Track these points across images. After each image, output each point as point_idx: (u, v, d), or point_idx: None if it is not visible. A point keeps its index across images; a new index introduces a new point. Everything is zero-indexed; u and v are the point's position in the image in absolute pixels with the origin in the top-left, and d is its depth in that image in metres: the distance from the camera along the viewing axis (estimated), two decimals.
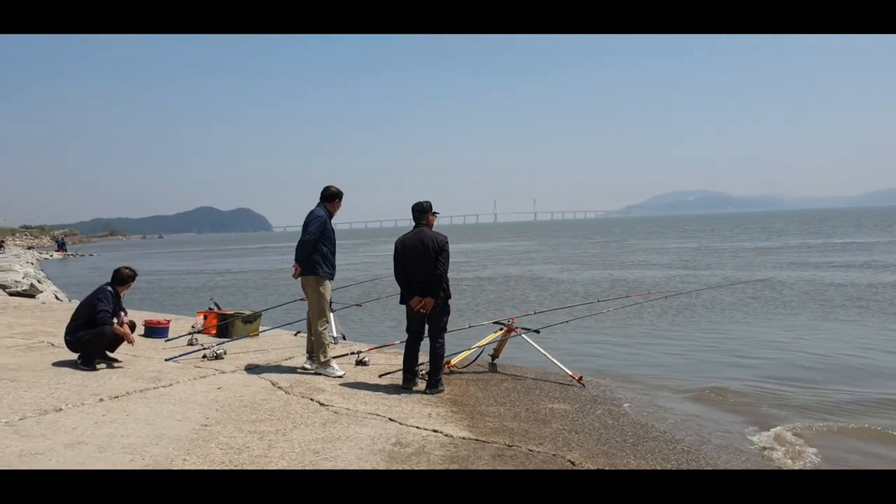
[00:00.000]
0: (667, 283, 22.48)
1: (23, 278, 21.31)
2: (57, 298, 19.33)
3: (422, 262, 6.78)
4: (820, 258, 29.81)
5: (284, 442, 5.07)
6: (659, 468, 4.95)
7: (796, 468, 5.54)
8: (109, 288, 7.45)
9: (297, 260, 7.41)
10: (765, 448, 6.09)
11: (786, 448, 6.09)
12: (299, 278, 7.47)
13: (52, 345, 8.46)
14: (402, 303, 7.05)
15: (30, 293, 18.46)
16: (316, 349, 7.49)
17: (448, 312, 7.01)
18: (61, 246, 70.92)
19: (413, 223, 7.11)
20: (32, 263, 37.59)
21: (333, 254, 7.53)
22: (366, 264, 38.47)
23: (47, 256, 58.72)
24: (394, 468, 4.57)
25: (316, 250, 7.36)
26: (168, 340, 9.21)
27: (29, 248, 70.08)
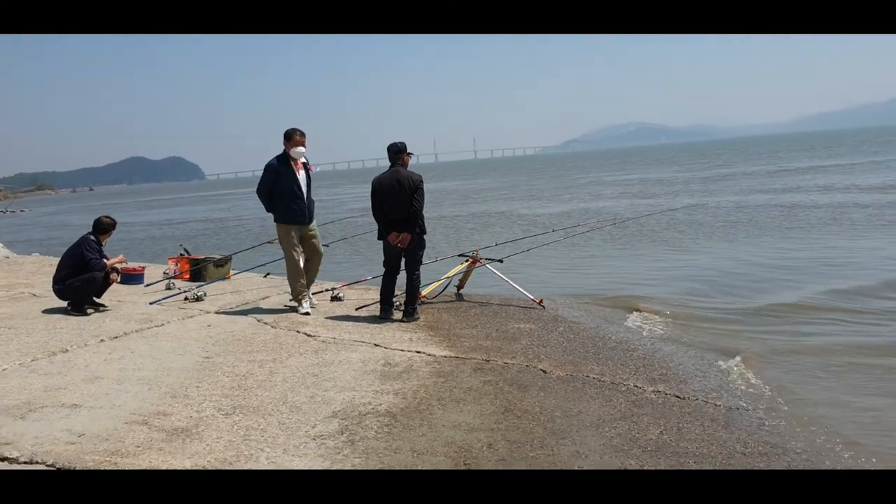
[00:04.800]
0: (628, 210, 23.54)
1: None
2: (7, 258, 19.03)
3: (398, 200, 7.20)
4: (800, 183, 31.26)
5: (284, 368, 5.57)
6: (619, 372, 5.65)
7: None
8: (92, 237, 7.73)
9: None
10: (713, 349, 6.88)
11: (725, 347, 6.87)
12: None
13: (35, 295, 8.72)
14: (379, 238, 7.49)
15: None
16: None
17: (423, 247, 7.48)
18: None
19: (389, 163, 7.46)
20: None
21: (289, 198, 7.60)
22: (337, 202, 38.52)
23: None
24: (388, 384, 5.13)
25: (270, 198, 7.70)
26: (147, 286, 9.53)
27: None
